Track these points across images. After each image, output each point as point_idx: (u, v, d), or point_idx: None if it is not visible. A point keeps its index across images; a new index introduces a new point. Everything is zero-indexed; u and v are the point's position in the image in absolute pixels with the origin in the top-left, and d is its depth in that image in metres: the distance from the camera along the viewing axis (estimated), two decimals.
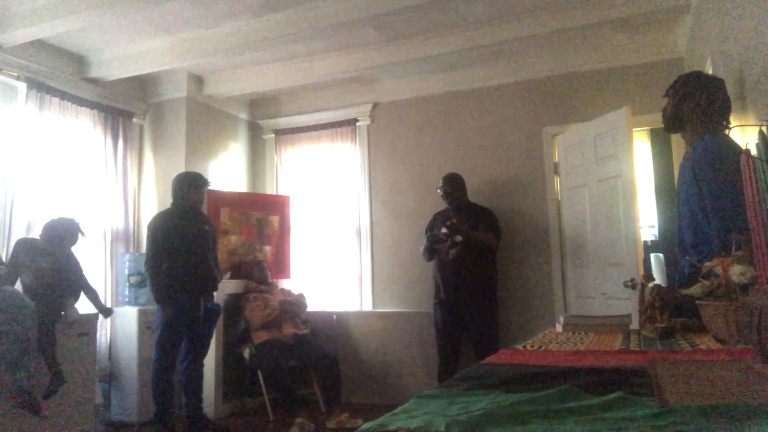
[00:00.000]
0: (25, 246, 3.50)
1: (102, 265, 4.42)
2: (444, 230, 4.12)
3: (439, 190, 4.28)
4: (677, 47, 4.14)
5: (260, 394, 4.30)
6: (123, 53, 4.37)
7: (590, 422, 0.81)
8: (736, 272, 1.45)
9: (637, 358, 1.35)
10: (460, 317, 4.08)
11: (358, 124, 5.19)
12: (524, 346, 1.68)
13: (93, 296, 3.77)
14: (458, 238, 4.01)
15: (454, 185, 4.23)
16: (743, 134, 2.22)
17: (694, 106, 2.10)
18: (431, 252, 4.24)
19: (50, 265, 3.47)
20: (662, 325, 1.72)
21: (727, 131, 2.13)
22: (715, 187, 1.94)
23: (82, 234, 3.75)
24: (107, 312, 3.87)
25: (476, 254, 4.03)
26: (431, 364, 4.29)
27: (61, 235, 3.60)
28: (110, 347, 4.32)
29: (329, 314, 4.90)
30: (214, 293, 3.97)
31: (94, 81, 4.50)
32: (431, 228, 4.35)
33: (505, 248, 4.36)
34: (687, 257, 2.04)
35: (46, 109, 4.07)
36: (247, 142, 5.55)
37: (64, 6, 3.55)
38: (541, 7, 3.81)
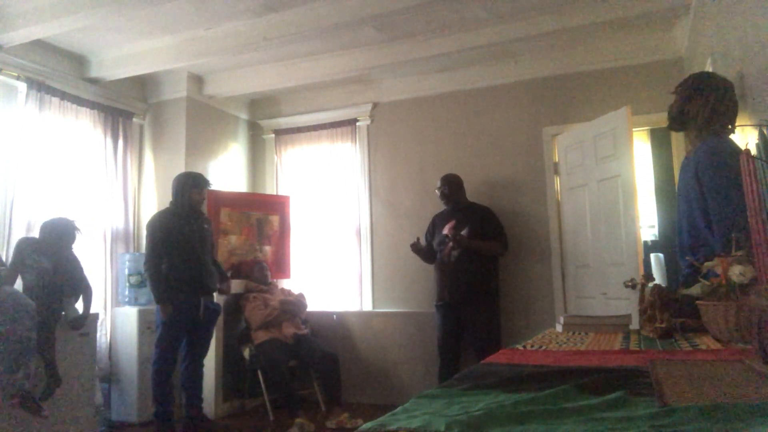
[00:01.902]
0: (28, 245, 3.49)
1: (102, 265, 4.42)
2: (446, 232, 4.12)
3: (437, 191, 4.28)
4: (677, 47, 4.14)
5: (260, 394, 4.30)
6: (123, 53, 4.37)
7: (590, 422, 0.81)
8: (736, 272, 1.45)
9: (637, 358, 1.35)
10: (462, 318, 4.07)
11: (358, 124, 5.19)
12: (524, 346, 1.68)
13: (87, 298, 3.71)
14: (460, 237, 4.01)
15: (451, 186, 4.23)
16: (743, 134, 2.22)
17: (701, 107, 2.09)
18: (427, 256, 4.24)
19: (52, 264, 3.46)
20: (662, 325, 1.72)
21: (731, 135, 2.12)
22: (719, 190, 1.93)
23: (79, 231, 3.72)
24: (79, 323, 3.61)
25: (478, 256, 4.03)
26: (431, 364, 4.29)
27: (59, 235, 3.59)
28: (110, 347, 4.31)
29: (329, 314, 4.90)
30: (215, 293, 3.96)
31: (94, 81, 4.50)
32: (431, 230, 4.35)
33: None
34: (687, 257, 2.04)
35: (46, 109, 4.07)
36: (247, 142, 5.55)
37: (64, 6, 3.55)
38: (541, 7, 3.81)
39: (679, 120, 2.19)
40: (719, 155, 1.98)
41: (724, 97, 2.08)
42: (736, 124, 2.17)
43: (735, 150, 2.00)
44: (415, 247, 4.18)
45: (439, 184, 4.28)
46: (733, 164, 1.90)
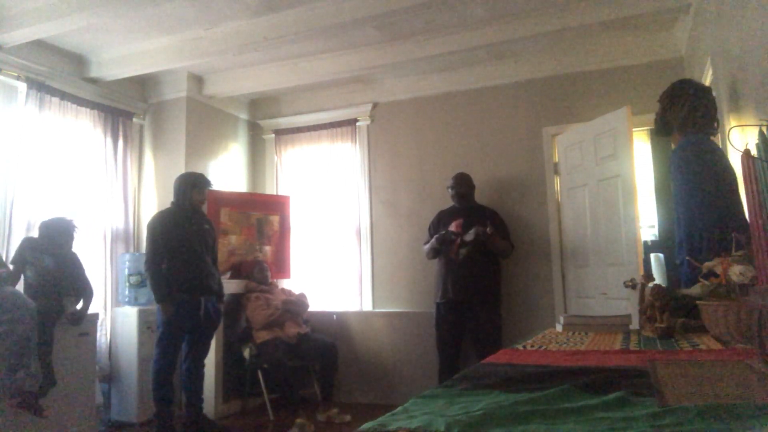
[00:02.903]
0: (29, 244, 3.52)
1: (102, 265, 4.42)
2: (452, 229, 4.12)
3: (450, 190, 4.27)
4: (677, 47, 4.14)
5: (260, 394, 4.30)
6: (123, 53, 4.37)
7: (590, 422, 0.81)
8: (736, 272, 1.44)
9: (637, 358, 1.35)
10: (463, 317, 4.07)
11: (358, 124, 5.19)
12: (524, 346, 1.68)
13: (87, 297, 3.72)
14: (468, 237, 4.00)
15: (467, 186, 4.24)
16: (743, 134, 2.22)
17: (677, 112, 2.22)
18: (437, 251, 4.22)
19: (54, 263, 3.47)
20: (662, 325, 1.72)
21: (712, 136, 2.21)
22: (684, 187, 2.04)
23: (76, 230, 3.72)
24: (78, 319, 3.62)
25: (486, 255, 4.03)
26: (431, 364, 4.29)
27: (58, 234, 3.60)
28: (110, 347, 4.31)
29: (329, 314, 4.90)
30: (216, 294, 3.93)
31: (94, 81, 4.50)
32: (436, 226, 4.34)
33: None
34: (687, 257, 2.05)
35: (46, 109, 4.07)
36: (247, 142, 5.54)
37: (64, 6, 3.55)
38: (541, 7, 3.81)
39: (662, 126, 2.34)
40: (685, 152, 2.11)
41: (700, 101, 2.21)
42: (736, 123, 2.21)
43: (705, 148, 2.09)
44: (444, 238, 4.08)
45: (452, 182, 4.27)
46: (697, 161, 2.00)
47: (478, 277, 4.01)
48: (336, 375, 4.33)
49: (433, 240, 4.18)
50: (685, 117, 2.19)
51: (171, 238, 3.68)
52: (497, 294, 4.15)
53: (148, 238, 3.73)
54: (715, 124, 2.25)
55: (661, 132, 2.37)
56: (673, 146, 2.36)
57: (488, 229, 3.93)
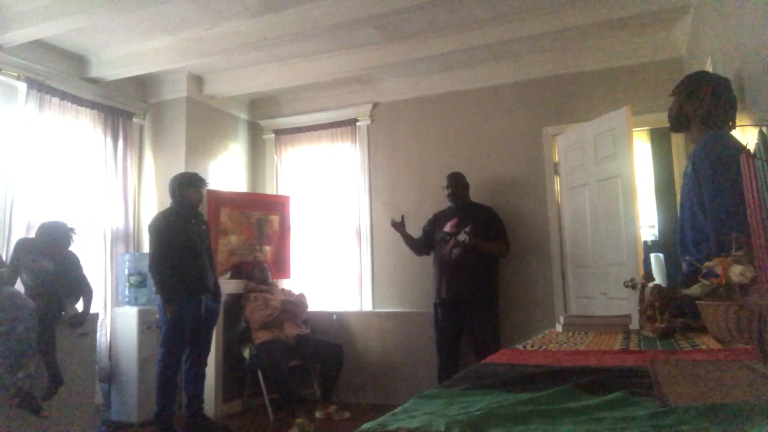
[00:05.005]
0: (26, 246, 3.50)
1: (102, 265, 4.42)
2: (447, 230, 4.12)
3: (443, 189, 4.27)
4: (677, 47, 4.14)
5: (260, 394, 4.30)
6: (123, 53, 4.37)
7: (590, 422, 0.81)
8: (736, 272, 1.44)
9: (637, 358, 1.35)
10: (461, 317, 4.07)
11: (358, 124, 5.19)
12: (524, 346, 1.68)
13: (87, 298, 3.71)
14: (461, 237, 4.00)
15: (460, 185, 4.24)
16: (743, 134, 2.22)
17: (698, 105, 2.11)
18: (415, 246, 4.28)
19: (52, 265, 3.47)
20: (662, 325, 1.72)
21: (732, 131, 2.14)
22: (714, 185, 1.95)
23: (74, 234, 3.72)
24: (79, 323, 3.62)
25: (479, 255, 4.03)
26: (431, 364, 4.29)
27: (55, 238, 3.60)
28: (110, 347, 4.31)
29: (329, 314, 4.90)
30: (213, 293, 3.94)
31: (94, 81, 4.50)
32: (427, 227, 4.36)
33: None
34: (687, 257, 2.04)
35: (46, 109, 4.07)
36: (247, 142, 5.54)
37: (64, 6, 3.55)
38: (541, 7, 3.81)
39: (679, 120, 2.22)
40: (715, 148, 2.00)
41: (721, 93, 2.10)
42: (736, 122, 2.18)
43: (733, 144, 2.01)
44: (395, 225, 4.27)
45: (446, 182, 4.27)
46: (729, 158, 1.91)
47: (471, 276, 4.00)
48: (337, 379, 4.32)
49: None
50: (708, 110, 2.07)
51: (176, 237, 3.69)
52: (493, 293, 4.14)
53: (152, 238, 3.72)
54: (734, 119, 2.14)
55: (676, 127, 2.25)
56: (691, 142, 2.26)
57: (466, 238, 3.95)
